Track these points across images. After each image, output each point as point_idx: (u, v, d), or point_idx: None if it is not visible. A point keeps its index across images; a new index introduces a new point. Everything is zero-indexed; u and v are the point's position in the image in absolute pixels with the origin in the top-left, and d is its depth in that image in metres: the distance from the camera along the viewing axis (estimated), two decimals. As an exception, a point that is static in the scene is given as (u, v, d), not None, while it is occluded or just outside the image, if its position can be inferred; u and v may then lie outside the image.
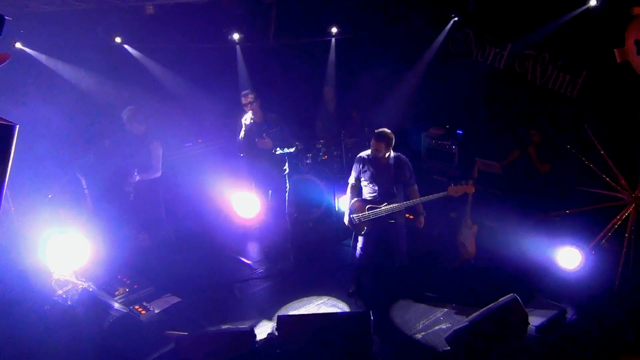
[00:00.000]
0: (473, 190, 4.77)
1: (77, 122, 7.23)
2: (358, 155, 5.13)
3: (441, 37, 7.33)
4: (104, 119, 6.98)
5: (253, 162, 5.90)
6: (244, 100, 5.67)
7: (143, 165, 5.48)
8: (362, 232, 5.02)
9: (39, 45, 6.84)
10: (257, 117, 5.68)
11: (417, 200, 4.88)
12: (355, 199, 5.07)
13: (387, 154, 4.87)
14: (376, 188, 4.92)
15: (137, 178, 5.44)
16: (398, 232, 5.05)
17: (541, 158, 5.81)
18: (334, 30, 7.81)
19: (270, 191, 6.02)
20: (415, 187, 4.99)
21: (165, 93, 7.81)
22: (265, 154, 5.74)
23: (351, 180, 5.18)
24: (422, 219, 5.08)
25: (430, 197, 4.86)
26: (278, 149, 5.69)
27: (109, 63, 7.43)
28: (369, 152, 5.01)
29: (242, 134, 5.68)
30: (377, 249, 5.17)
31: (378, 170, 4.91)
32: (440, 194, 4.78)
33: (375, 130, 4.89)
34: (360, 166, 5.04)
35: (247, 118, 5.57)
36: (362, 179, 5.03)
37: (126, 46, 7.55)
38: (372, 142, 4.84)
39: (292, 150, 5.80)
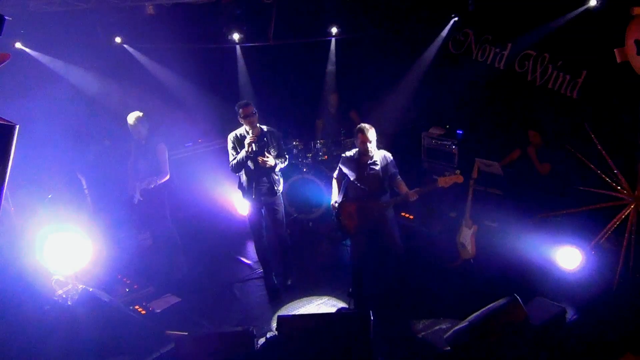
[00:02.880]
0: (462, 179, 4.72)
1: (77, 122, 7.24)
2: (342, 156, 5.12)
3: (441, 37, 7.33)
4: (104, 119, 6.99)
5: (249, 181, 5.22)
6: (244, 112, 4.97)
7: (154, 169, 5.46)
8: (352, 232, 5.03)
9: (39, 45, 6.84)
10: (256, 131, 5.06)
11: (408, 194, 4.81)
12: (344, 201, 5.07)
13: (373, 150, 4.86)
14: (364, 187, 4.91)
15: (154, 184, 5.38)
16: (390, 227, 5.02)
17: (541, 158, 5.81)
18: (334, 30, 7.82)
19: (263, 209, 5.43)
20: (399, 178, 4.96)
21: (166, 93, 7.82)
22: (262, 171, 5.17)
23: (336, 174, 5.20)
24: (413, 194, 4.79)
25: (421, 189, 4.85)
26: (279, 164, 5.21)
27: (109, 63, 7.44)
28: (352, 152, 5.02)
29: (242, 153, 5.05)
30: (372, 247, 5.17)
31: (364, 169, 4.90)
32: (431, 186, 4.74)
33: (358, 125, 4.88)
34: (346, 167, 5.04)
35: (250, 135, 4.99)
36: (349, 179, 5.01)
37: (126, 46, 7.56)
38: (359, 135, 4.81)
39: (285, 164, 5.33)
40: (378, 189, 4.90)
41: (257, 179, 5.19)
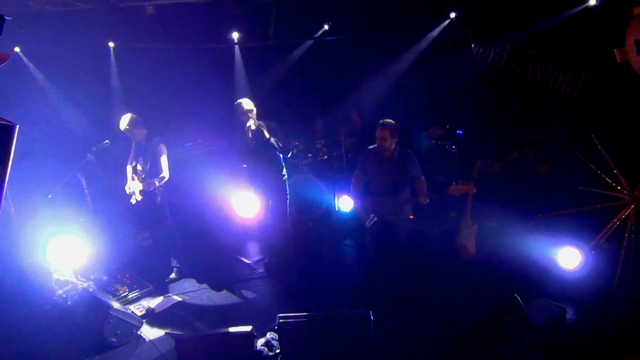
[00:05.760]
0: (474, 190, 4.75)
1: (76, 122, 7.25)
2: (364, 150, 5.15)
3: (441, 37, 7.32)
4: (104, 120, 6.99)
5: (254, 170, 5.68)
6: (238, 109, 5.38)
7: (153, 170, 5.45)
8: (368, 224, 5.05)
9: (39, 45, 6.85)
10: (250, 122, 5.40)
11: (420, 197, 4.82)
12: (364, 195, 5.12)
13: (392, 146, 4.87)
14: (382, 182, 4.93)
15: (153, 187, 5.38)
16: (399, 225, 5.03)
17: (539, 159, 5.82)
18: (333, 30, 7.81)
19: (270, 201, 5.82)
20: (422, 178, 4.93)
21: (165, 93, 7.81)
22: (264, 161, 5.52)
23: (357, 170, 5.19)
24: (425, 197, 4.85)
25: (432, 194, 4.85)
26: (274, 140, 5.36)
27: (108, 63, 7.45)
28: (374, 146, 5.02)
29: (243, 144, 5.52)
30: (380, 242, 5.20)
31: (383, 164, 4.92)
32: (442, 193, 4.77)
33: (380, 121, 4.89)
34: (366, 160, 5.06)
35: (252, 126, 5.32)
36: (368, 173, 5.05)
37: (111, 45, 7.56)
38: (377, 131, 4.82)
39: (289, 154, 5.59)
40: (395, 185, 4.90)
41: (258, 170, 5.54)
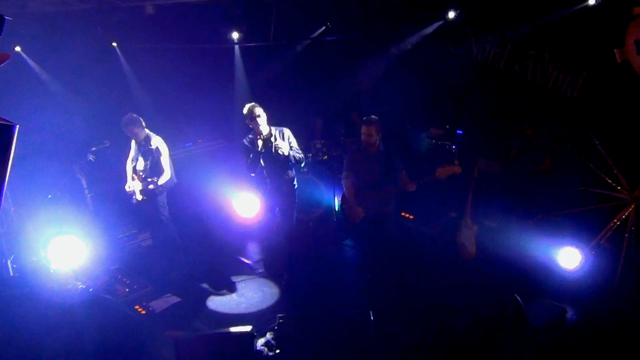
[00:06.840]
0: (459, 170, 4.81)
1: (77, 122, 7.25)
2: (349, 148, 5.26)
3: (441, 37, 7.32)
4: (104, 120, 7.00)
5: (264, 178, 5.38)
6: (248, 115, 5.06)
7: (154, 170, 5.44)
8: (357, 221, 5.11)
9: (39, 46, 6.85)
10: (266, 131, 5.16)
11: (408, 184, 4.96)
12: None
13: (377, 142, 4.96)
14: (368, 177, 5.00)
15: (153, 186, 5.38)
16: (389, 220, 5.18)
17: (535, 158, 5.87)
18: (333, 30, 7.81)
19: (277, 208, 5.61)
20: (404, 172, 5.08)
21: (165, 93, 7.82)
22: (275, 170, 5.29)
23: (346, 172, 5.21)
24: (412, 185, 5.01)
25: (419, 180, 4.97)
26: (294, 153, 5.16)
27: (108, 63, 7.44)
28: (358, 144, 5.12)
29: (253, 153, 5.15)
30: (372, 238, 5.30)
31: (370, 160, 4.99)
32: (429, 177, 4.89)
33: (364, 118, 4.99)
34: (354, 159, 5.12)
35: (263, 133, 5.06)
36: (354, 169, 5.10)
37: (116, 46, 7.57)
38: (363, 128, 4.91)
39: (301, 157, 5.28)
40: (381, 179, 5.00)
41: (270, 178, 5.33)
